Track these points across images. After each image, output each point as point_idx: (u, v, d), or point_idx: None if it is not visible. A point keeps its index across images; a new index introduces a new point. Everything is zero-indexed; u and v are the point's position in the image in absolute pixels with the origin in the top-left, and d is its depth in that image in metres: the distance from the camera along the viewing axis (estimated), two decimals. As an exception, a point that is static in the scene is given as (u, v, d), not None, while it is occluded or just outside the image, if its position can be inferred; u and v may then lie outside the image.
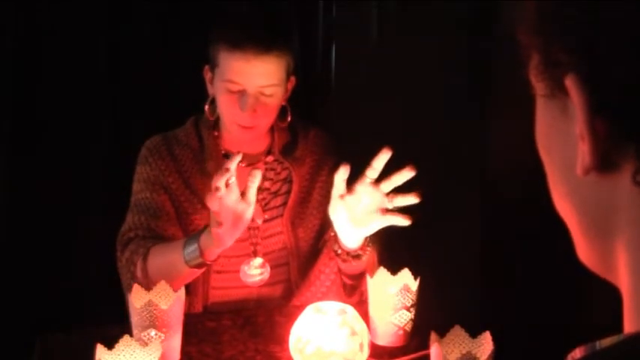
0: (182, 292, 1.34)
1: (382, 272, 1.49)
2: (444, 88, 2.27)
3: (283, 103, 1.61)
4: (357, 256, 1.52)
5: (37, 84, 2.34)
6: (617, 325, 0.48)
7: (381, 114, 2.36)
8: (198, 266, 1.48)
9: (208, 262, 1.47)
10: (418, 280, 1.45)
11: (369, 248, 1.52)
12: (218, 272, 1.63)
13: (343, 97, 2.46)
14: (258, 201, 1.63)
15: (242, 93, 1.51)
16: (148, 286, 1.38)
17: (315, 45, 2.53)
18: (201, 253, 1.45)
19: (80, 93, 2.37)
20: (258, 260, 1.62)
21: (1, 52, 2.28)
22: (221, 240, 1.41)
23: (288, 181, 1.69)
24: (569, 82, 0.45)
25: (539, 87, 0.50)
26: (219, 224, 1.38)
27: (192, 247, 1.45)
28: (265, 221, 1.65)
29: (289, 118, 1.64)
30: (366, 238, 1.51)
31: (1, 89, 2.30)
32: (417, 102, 2.31)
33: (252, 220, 1.60)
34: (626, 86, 0.43)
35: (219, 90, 1.54)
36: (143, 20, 2.38)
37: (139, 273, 1.51)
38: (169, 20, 2.38)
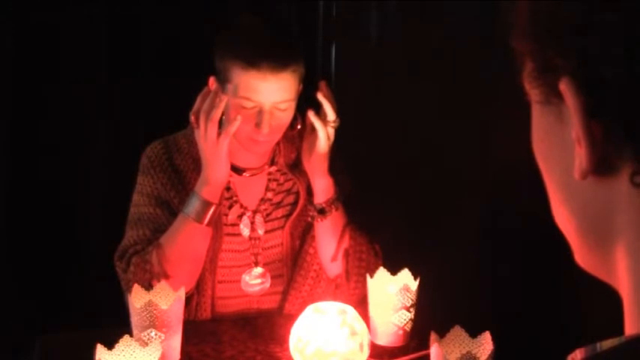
0: (182, 292, 1.34)
1: (382, 272, 1.49)
2: (444, 89, 2.26)
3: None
4: (322, 212, 1.59)
5: (36, 84, 2.34)
6: (617, 327, 0.48)
7: (380, 114, 2.37)
8: (203, 212, 1.50)
9: (208, 199, 1.50)
10: (418, 280, 1.45)
11: (333, 205, 1.59)
12: (220, 282, 1.62)
13: (343, 97, 2.46)
14: (260, 212, 1.63)
15: (257, 109, 1.48)
16: (167, 275, 1.46)
17: (315, 45, 2.53)
18: (199, 197, 1.50)
19: (80, 93, 2.37)
20: (259, 270, 1.62)
21: (1, 51, 2.28)
22: (210, 153, 1.48)
23: (292, 192, 1.67)
24: (564, 86, 0.45)
25: (533, 93, 0.50)
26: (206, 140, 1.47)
27: (190, 199, 1.52)
28: (266, 232, 1.64)
29: (299, 126, 1.61)
30: (332, 195, 1.59)
31: (1, 89, 2.30)
32: (418, 102, 2.31)
33: (254, 230, 1.61)
34: (621, 88, 0.43)
35: (232, 105, 1.49)
36: (143, 19, 2.39)
37: (156, 267, 1.49)
38: (169, 19, 2.38)
